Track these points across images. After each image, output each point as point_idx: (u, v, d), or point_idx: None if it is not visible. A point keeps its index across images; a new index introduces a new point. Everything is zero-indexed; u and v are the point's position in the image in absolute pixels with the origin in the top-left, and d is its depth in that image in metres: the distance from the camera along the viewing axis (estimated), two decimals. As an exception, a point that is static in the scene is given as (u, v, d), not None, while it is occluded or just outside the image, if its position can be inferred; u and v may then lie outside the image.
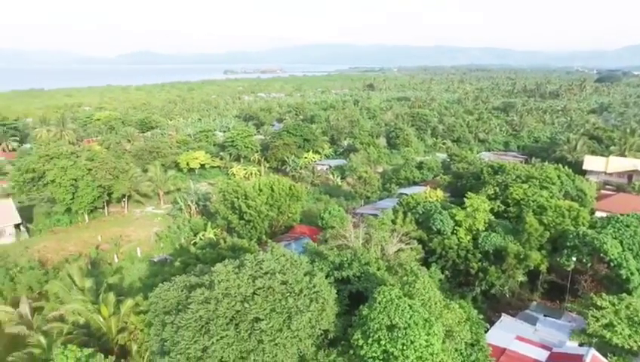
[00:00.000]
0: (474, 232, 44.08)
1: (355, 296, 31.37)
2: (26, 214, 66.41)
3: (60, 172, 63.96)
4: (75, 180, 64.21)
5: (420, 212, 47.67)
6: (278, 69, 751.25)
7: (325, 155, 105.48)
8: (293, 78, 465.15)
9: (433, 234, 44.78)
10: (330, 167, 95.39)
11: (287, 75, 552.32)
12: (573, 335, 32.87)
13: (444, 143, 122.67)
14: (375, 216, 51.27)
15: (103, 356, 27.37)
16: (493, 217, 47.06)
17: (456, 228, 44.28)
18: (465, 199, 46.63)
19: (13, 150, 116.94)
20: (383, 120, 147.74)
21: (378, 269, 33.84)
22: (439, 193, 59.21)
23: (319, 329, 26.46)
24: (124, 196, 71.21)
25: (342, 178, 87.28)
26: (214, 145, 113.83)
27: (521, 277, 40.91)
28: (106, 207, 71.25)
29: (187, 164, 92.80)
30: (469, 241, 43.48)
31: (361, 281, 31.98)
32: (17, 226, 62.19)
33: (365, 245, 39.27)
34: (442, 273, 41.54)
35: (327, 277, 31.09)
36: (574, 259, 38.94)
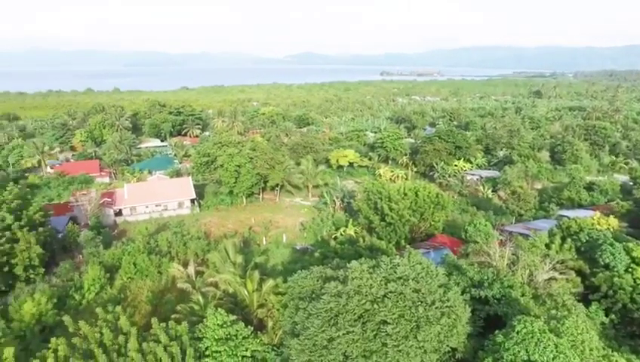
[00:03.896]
0: (657, 274, 36.55)
1: (491, 319, 29.03)
2: (199, 192, 77.66)
3: (227, 158, 73.23)
4: (239, 166, 72.69)
5: (584, 240, 41.53)
6: (436, 72, 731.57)
7: (477, 165, 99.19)
8: (451, 82, 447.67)
9: (599, 268, 38.47)
10: (482, 177, 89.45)
11: (445, 79, 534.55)
12: None
13: (626, 163, 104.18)
14: (526, 236, 46.48)
15: (243, 324, 30.60)
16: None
17: (632, 266, 37.26)
18: (647, 232, 39.09)
19: (196, 136, 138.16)
20: (549, 131, 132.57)
21: (522, 295, 30.70)
22: (613, 221, 50.68)
23: (447, 345, 25.20)
24: (277, 185, 78.07)
25: (493, 191, 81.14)
26: (364, 144, 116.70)
27: None
28: (261, 193, 79.04)
29: (337, 161, 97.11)
30: (648, 284, 36.21)
31: (501, 305, 29.44)
32: (192, 201, 73.44)
33: (510, 266, 35.98)
34: (606, 316, 35.32)
35: (463, 293, 29.40)
36: None
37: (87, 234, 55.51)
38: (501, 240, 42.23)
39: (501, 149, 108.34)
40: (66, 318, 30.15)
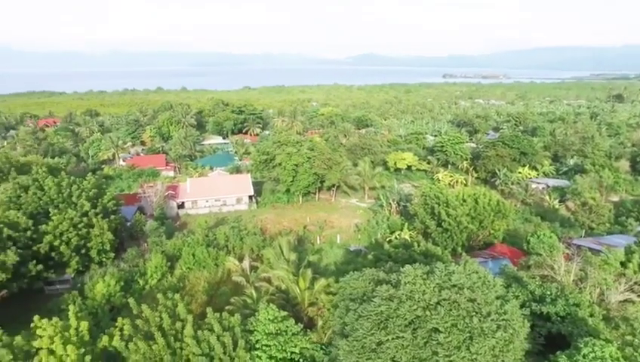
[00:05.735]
0: None
1: (553, 338, 27.27)
2: (257, 189, 79.74)
3: (286, 157, 74.56)
4: (297, 166, 73.77)
5: (667, 259, 37.88)
6: (501, 75, 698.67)
7: (544, 173, 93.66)
8: (518, 85, 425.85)
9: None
10: (548, 186, 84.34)
11: (511, 81, 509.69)
12: None
13: None
14: (597, 252, 43.14)
15: (293, 321, 31.00)
16: None
17: None
18: None
19: (257, 135, 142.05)
20: (630, 139, 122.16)
21: (591, 316, 28.53)
22: (701, 240, 45.68)
23: (502, 361, 23.99)
24: (333, 185, 78.33)
25: (560, 201, 76.21)
26: (423, 148, 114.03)
27: None
28: (317, 193, 79.69)
29: (394, 164, 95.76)
30: None
31: (565, 323, 27.57)
32: (250, 197, 75.59)
33: (577, 283, 33.57)
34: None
35: (522, 307, 27.90)
36: None
37: (153, 224, 58.95)
38: (567, 254, 39.51)
39: (572, 157, 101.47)
40: (131, 301, 32.27)
